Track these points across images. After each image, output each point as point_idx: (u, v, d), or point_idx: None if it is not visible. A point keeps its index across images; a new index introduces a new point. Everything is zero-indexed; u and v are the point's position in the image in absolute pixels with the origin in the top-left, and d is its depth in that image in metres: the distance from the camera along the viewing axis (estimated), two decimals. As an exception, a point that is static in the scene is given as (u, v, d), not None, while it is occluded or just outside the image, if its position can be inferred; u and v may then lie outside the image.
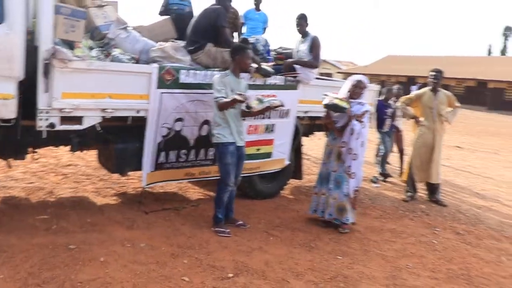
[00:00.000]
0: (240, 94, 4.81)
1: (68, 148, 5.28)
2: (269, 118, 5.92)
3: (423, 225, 6.20)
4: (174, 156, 5.43)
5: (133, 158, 5.23)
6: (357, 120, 5.51)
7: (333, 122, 5.70)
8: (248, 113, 5.13)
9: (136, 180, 6.71)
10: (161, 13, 6.92)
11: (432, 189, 7.49)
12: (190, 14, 6.76)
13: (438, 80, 7.32)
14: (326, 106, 5.57)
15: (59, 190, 6.07)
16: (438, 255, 5.19)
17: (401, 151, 9.19)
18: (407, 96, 7.75)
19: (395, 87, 9.15)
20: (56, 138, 4.92)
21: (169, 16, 6.68)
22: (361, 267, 4.58)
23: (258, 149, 6.14)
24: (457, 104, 7.59)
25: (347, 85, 5.78)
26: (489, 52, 59.75)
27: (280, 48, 7.24)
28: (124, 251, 4.35)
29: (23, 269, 3.82)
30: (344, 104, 5.46)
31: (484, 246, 5.66)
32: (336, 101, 5.46)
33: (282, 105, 5.48)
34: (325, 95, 5.67)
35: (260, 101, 5.12)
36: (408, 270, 4.67)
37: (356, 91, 5.61)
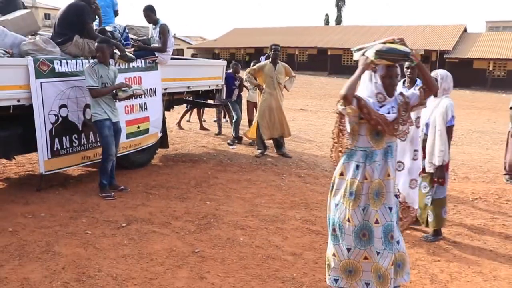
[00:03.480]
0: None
1: None
2: (140, 97, 6.57)
3: (273, 173, 7.61)
4: (67, 141, 5.94)
5: (17, 143, 5.74)
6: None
7: (381, 116, 3.11)
8: (116, 97, 5.93)
9: (14, 166, 7.20)
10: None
11: (279, 144, 8.97)
12: None
13: (277, 53, 8.71)
14: (381, 53, 3.08)
15: None
16: (285, 193, 6.59)
17: (250, 120, 10.60)
18: (252, 67, 9.06)
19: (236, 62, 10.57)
20: None
21: (30, 10, 7.14)
22: (225, 207, 5.78)
23: (138, 127, 6.99)
24: (293, 74, 9.12)
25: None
26: (327, 22, 64.59)
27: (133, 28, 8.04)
28: (28, 221, 5.00)
29: None
30: (404, 48, 3.14)
31: (319, 183, 7.21)
32: (392, 45, 3.14)
33: (144, 93, 6.43)
34: (358, 49, 3.26)
35: (124, 91, 5.95)
36: (262, 205, 5.97)
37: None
